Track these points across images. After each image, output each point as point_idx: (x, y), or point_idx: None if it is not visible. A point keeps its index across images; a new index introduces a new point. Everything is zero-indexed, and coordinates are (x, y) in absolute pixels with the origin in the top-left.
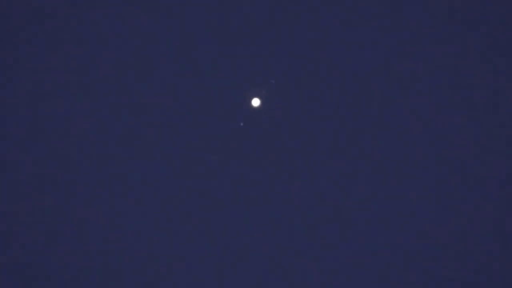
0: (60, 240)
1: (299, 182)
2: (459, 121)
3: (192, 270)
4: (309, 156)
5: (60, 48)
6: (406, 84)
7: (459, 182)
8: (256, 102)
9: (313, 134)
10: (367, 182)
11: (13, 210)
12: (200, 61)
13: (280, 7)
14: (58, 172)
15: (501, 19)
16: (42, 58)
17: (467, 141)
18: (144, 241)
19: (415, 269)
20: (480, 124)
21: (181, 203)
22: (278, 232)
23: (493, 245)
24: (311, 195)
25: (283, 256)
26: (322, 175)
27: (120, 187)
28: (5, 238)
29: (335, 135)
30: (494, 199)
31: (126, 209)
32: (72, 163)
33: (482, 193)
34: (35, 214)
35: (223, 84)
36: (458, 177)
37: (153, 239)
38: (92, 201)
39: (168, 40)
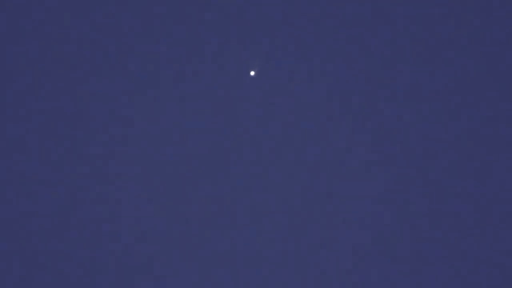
0: (62, 240)
1: (297, 178)
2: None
3: (191, 268)
4: (306, 154)
5: (60, 48)
6: (404, 82)
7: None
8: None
9: (312, 133)
10: (364, 180)
11: (15, 210)
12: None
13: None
14: (58, 172)
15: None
16: (42, 58)
17: (466, 143)
18: (142, 238)
19: (412, 269)
20: (480, 125)
21: (181, 203)
22: (274, 230)
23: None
24: (307, 193)
25: (282, 252)
26: (318, 173)
27: (114, 178)
28: (6, 238)
29: (334, 135)
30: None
31: (123, 205)
32: (73, 162)
33: (481, 194)
34: (35, 214)
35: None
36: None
37: (150, 233)
38: (91, 200)
39: (166, 37)
